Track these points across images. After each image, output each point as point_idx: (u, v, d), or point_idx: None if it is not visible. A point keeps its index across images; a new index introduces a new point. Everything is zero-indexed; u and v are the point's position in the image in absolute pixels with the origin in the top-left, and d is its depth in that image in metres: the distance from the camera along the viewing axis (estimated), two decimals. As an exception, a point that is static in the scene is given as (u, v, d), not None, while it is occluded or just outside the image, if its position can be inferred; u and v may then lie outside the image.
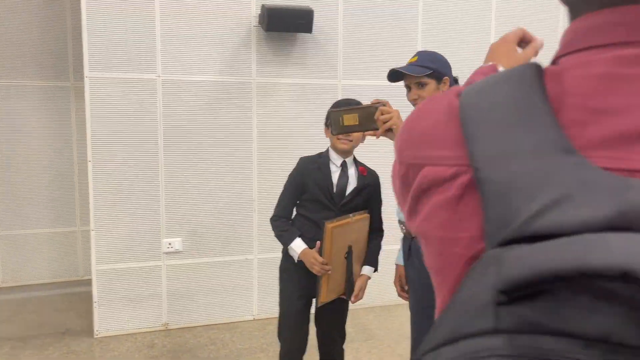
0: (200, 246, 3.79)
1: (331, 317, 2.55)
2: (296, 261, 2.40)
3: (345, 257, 2.39)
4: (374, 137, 1.74)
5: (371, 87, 3.96)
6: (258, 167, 3.83)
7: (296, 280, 2.46)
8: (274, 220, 2.52)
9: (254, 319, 3.93)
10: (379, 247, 2.53)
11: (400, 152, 0.66)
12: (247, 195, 3.84)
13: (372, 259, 2.50)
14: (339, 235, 2.30)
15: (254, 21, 3.69)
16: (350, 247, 2.39)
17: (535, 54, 0.98)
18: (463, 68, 4.14)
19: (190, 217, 3.74)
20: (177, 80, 3.62)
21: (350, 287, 2.43)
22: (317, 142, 3.90)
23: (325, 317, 2.53)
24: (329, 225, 2.24)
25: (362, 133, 2.22)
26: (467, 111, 0.56)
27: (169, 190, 3.68)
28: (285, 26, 3.56)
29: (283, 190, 2.53)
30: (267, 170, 3.86)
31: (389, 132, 1.66)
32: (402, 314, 4.04)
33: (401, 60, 4.09)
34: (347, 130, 1.72)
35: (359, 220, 2.40)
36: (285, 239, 2.44)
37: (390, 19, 3.99)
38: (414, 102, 2.17)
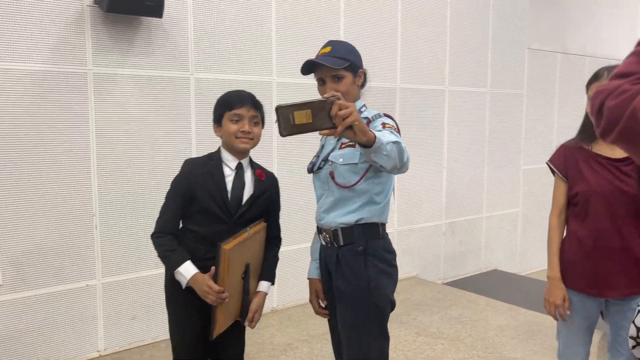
0: (26, 276, 3.03)
1: (228, 345, 2.18)
2: (184, 287, 2.00)
3: (243, 277, 2.06)
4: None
5: (227, 81, 3.61)
6: (98, 174, 3.21)
7: (189, 305, 2.06)
8: (157, 237, 2.06)
9: (100, 355, 3.29)
10: (277, 258, 2.23)
11: None
12: (86, 209, 3.19)
13: (269, 272, 2.20)
14: (236, 256, 1.96)
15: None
16: (247, 266, 2.07)
17: None
18: (315, 43, 4.04)
19: (11, 241, 2.97)
20: (-14, 67, 2.83)
21: (246, 309, 2.10)
22: (170, 142, 3.44)
23: (221, 345, 2.16)
24: (225, 248, 1.89)
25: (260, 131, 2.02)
26: None
27: (-20, 209, 2.86)
28: (130, 8, 3.02)
29: (165, 201, 2.09)
30: (110, 178, 3.26)
31: (348, 129, 1.41)
32: (268, 324, 3.78)
33: (258, 53, 3.81)
34: (300, 129, 1.40)
35: (256, 233, 2.09)
36: (171, 262, 2.01)
37: (244, 5, 3.69)
38: None
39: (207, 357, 2.19)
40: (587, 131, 2.00)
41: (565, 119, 6.09)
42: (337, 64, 1.88)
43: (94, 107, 3.16)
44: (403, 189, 4.77)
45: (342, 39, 4.19)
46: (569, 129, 6.20)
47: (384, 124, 1.83)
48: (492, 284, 5.11)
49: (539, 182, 5.88)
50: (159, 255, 2.06)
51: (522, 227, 5.87)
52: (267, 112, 2.08)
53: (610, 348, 2.06)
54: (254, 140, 2.03)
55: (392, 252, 1.95)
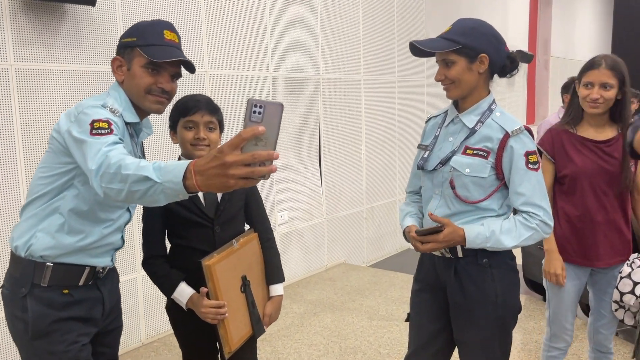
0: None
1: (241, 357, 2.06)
2: (186, 309, 1.89)
3: (242, 291, 1.97)
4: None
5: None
6: (27, 178, 2.83)
7: (195, 326, 1.94)
8: (148, 264, 1.94)
9: None
10: (277, 255, 2.11)
11: None
12: (15, 215, 2.79)
13: (275, 274, 2.09)
14: (224, 271, 1.87)
15: (5, -16, 2.66)
16: (244, 278, 1.97)
17: None
18: (243, 37, 3.91)
19: None
20: None
21: (256, 321, 2.01)
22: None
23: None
24: (207, 263, 1.81)
25: (219, 136, 1.92)
26: None
27: None
28: (61, -6, 2.68)
29: (144, 224, 1.94)
30: (41, 187, 2.88)
31: None
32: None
33: (190, 44, 3.57)
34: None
35: (247, 244, 1.99)
36: (166, 289, 1.89)
37: (173, -4, 3.45)
38: (441, 83, 1.71)
39: None
40: (572, 115, 2.18)
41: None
42: (440, 47, 1.64)
43: (18, 106, 2.76)
44: (328, 179, 4.82)
45: (268, 29, 4.10)
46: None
47: (527, 155, 1.65)
48: (409, 262, 5.38)
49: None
50: (155, 283, 1.94)
51: (428, 207, 6.24)
52: (226, 114, 1.96)
53: (594, 312, 2.29)
54: (211, 147, 1.87)
55: (514, 257, 1.81)
